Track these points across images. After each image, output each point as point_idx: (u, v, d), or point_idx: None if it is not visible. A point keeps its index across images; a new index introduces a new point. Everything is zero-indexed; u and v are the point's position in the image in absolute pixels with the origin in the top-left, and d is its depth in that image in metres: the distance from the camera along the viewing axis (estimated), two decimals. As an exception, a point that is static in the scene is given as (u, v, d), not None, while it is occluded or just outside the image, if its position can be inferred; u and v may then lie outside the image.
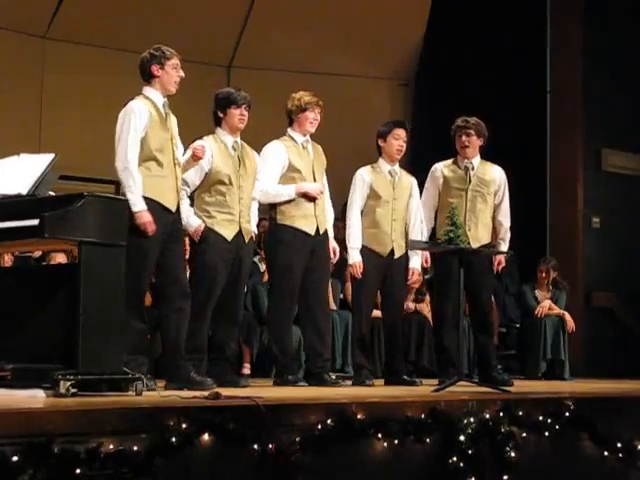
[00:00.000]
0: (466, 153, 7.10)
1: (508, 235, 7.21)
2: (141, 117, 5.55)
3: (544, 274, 9.16)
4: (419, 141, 10.85)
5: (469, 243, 6.88)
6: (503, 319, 9.42)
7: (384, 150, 7.01)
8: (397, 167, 7.06)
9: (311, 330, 6.63)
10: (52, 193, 5.03)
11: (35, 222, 4.57)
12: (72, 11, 9.70)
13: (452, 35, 10.65)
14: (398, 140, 6.98)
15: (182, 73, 5.77)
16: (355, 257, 6.87)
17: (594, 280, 10.47)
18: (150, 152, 5.56)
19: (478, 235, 7.01)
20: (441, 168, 7.19)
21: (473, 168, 7.10)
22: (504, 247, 7.18)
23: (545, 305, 9.01)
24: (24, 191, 4.89)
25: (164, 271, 5.68)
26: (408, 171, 7.27)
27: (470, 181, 7.08)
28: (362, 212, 6.94)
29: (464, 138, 7.09)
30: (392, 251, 6.92)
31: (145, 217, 5.45)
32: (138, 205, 5.45)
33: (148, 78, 5.72)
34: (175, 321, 5.66)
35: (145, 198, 5.51)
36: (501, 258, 7.15)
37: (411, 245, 6.83)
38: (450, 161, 7.21)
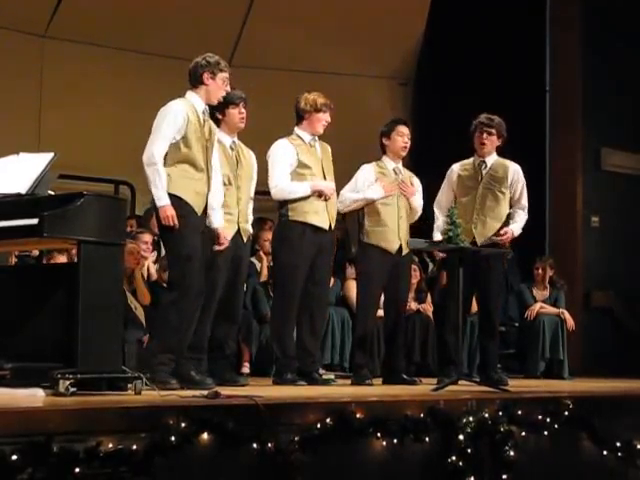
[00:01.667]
0: (483, 151, 7.04)
1: (522, 217, 7.05)
2: (176, 118, 5.59)
3: (540, 272, 9.15)
4: (418, 141, 10.85)
5: (475, 242, 6.86)
6: (503, 318, 9.41)
7: (389, 148, 7.02)
8: (400, 165, 7.08)
9: (306, 329, 6.63)
10: (51, 192, 5.03)
11: (34, 221, 4.58)
12: (71, 10, 9.69)
13: (451, 35, 10.64)
14: (402, 137, 7.00)
15: (229, 88, 5.87)
16: (376, 190, 6.89)
17: (593, 279, 10.47)
18: (187, 155, 5.60)
19: (485, 232, 6.97)
20: (457, 169, 7.13)
21: (486, 166, 7.04)
22: (515, 225, 7.01)
23: (534, 309, 9.00)
24: (23, 190, 4.89)
25: None
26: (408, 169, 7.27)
27: (482, 178, 7.03)
28: (368, 211, 6.93)
29: (485, 136, 7.02)
30: (400, 248, 6.93)
31: (169, 210, 5.48)
32: (163, 200, 5.50)
33: (195, 83, 5.76)
34: (184, 321, 5.67)
35: (177, 198, 5.54)
36: (507, 232, 6.98)
37: (411, 244, 6.83)
38: (467, 160, 7.15)
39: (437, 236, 6.96)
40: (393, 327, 7.04)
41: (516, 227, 7.03)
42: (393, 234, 6.91)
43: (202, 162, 5.68)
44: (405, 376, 6.97)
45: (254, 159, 6.53)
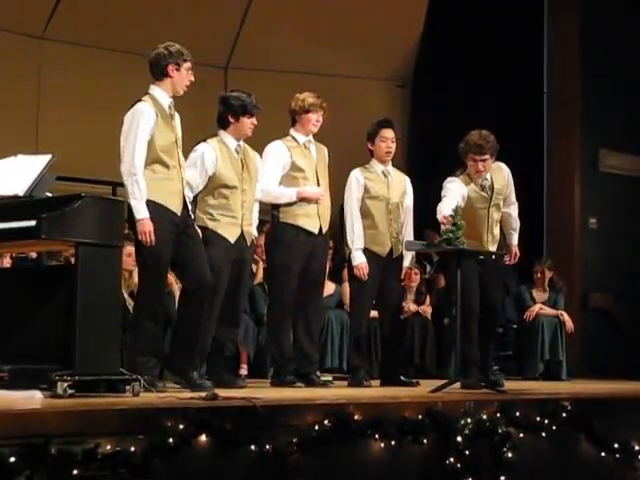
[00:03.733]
0: (481, 176, 6.76)
1: (518, 224, 7.02)
2: (148, 120, 5.45)
3: (540, 274, 9.16)
4: (416, 143, 10.88)
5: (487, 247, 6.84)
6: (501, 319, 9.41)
7: (374, 153, 6.98)
8: (390, 167, 7.05)
9: (303, 331, 6.63)
10: (49, 194, 5.02)
11: (32, 223, 4.58)
12: (69, 12, 9.69)
13: (449, 37, 10.65)
14: (385, 142, 6.92)
15: (192, 77, 5.70)
16: (359, 258, 6.84)
17: (591, 281, 10.47)
18: (156, 154, 5.48)
19: (495, 243, 6.89)
20: (461, 187, 6.68)
21: (490, 182, 6.80)
22: (516, 237, 7.00)
23: (533, 310, 9.00)
24: (21, 192, 4.89)
25: (183, 268, 5.64)
26: (404, 172, 7.26)
27: (491, 199, 6.80)
28: (360, 213, 6.93)
29: (480, 165, 6.66)
30: (391, 251, 6.92)
31: (147, 226, 5.38)
32: (141, 213, 5.39)
33: (160, 76, 5.61)
34: (197, 317, 5.64)
35: (149, 201, 5.44)
36: (516, 250, 6.99)
37: (407, 246, 6.82)
38: (467, 177, 6.77)
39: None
40: (390, 329, 7.04)
41: (516, 238, 7.00)
42: (384, 237, 6.90)
43: (173, 159, 5.57)
44: (403, 378, 6.96)
45: (259, 160, 6.49)
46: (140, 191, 5.40)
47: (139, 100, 5.57)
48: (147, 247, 5.42)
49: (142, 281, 5.64)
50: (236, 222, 6.20)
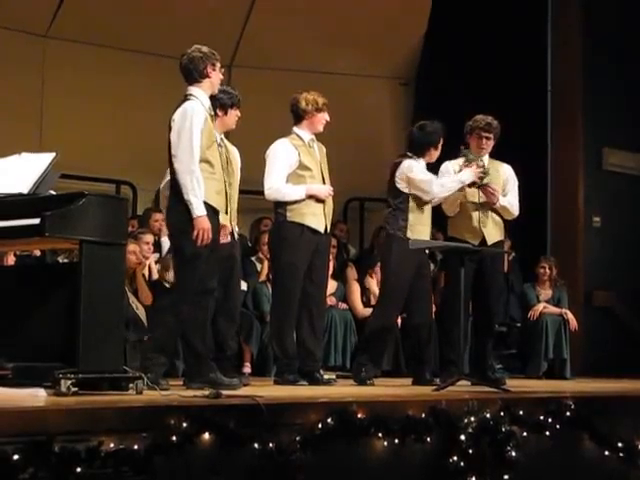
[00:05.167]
0: (481, 154, 7.01)
1: (514, 202, 7.02)
2: (200, 119, 5.48)
3: (545, 272, 9.16)
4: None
5: (484, 241, 6.88)
6: (504, 318, 9.41)
7: (432, 155, 6.98)
8: None
9: (306, 329, 6.63)
10: (53, 192, 5.03)
11: (36, 221, 4.58)
12: (73, 10, 9.69)
13: (453, 35, 10.63)
14: None
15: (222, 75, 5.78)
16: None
17: (595, 279, 10.45)
18: (203, 154, 5.50)
19: (491, 232, 6.96)
20: (453, 167, 7.02)
21: (483, 166, 7.00)
22: (506, 198, 7.00)
23: (537, 309, 9.01)
24: (25, 190, 4.90)
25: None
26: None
27: (481, 180, 6.96)
28: (412, 207, 6.85)
29: (484, 141, 6.99)
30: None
31: (205, 223, 5.37)
32: (200, 210, 5.38)
33: (199, 77, 5.61)
34: (202, 321, 5.64)
35: None
36: (498, 192, 6.96)
37: (412, 244, 6.82)
38: (460, 160, 7.04)
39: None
40: (424, 327, 7.01)
41: (505, 199, 6.99)
42: (427, 234, 6.93)
43: (217, 159, 5.62)
44: (428, 376, 6.95)
45: (238, 155, 6.53)
46: (200, 188, 5.41)
47: (185, 99, 5.58)
48: (195, 245, 5.37)
49: (178, 278, 5.62)
50: (226, 217, 6.19)
